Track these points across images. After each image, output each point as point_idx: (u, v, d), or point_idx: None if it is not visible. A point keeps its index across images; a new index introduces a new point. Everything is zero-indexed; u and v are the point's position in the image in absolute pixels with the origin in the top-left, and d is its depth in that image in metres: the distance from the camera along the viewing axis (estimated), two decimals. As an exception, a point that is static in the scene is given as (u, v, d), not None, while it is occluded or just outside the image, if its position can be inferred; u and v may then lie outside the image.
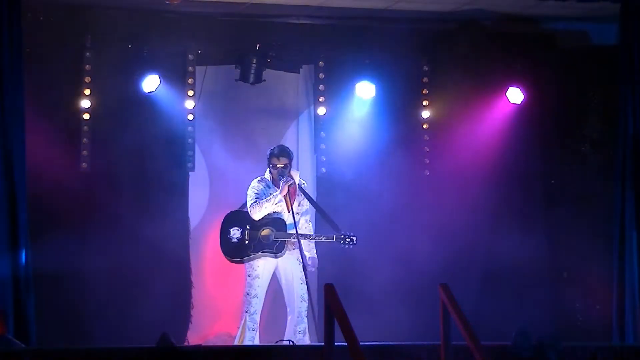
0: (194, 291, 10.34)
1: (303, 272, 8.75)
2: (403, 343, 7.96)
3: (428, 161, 10.94)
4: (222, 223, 8.99)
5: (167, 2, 9.47)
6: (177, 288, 10.21)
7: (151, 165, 10.22)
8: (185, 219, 10.35)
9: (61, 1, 9.84)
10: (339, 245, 9.00)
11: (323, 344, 6.21)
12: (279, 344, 8.54)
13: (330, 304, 6.05)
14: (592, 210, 10.58)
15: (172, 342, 7.11)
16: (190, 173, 10.44)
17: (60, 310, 9.57)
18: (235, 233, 8.87)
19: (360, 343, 5.80)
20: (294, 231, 8.83)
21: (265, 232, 8.87)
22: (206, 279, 10.54)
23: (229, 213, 9.07)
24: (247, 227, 8.89)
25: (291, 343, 8.51)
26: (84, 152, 10.07)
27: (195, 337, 10.11)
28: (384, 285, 10.39)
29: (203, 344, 9.08)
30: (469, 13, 10.44)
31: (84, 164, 10.07)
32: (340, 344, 6.05)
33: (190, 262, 10.33)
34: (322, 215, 9.16)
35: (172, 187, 10.32)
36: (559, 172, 10.92)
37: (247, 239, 8.86)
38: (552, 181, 10.94)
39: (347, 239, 8.94)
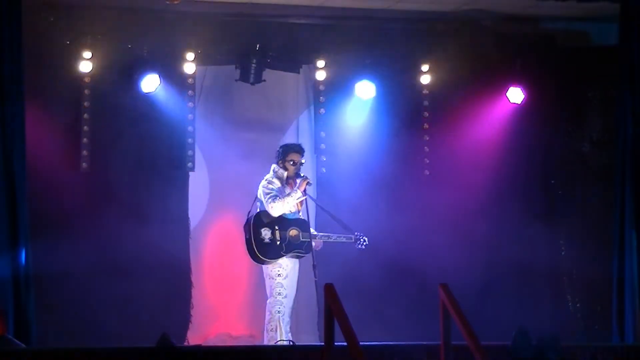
0: (194, 291, 10.33)
1: (314, 272, 8.72)
2: (403, 343, 7.95)
3: (428, 161, 10.94)
4: (252, 226, 8.72)
5: (167, 2, 9.46)
6: (177, 288, 10.21)
7: (151, 165, 10.23)
8: (185, 219, 10.35)
9: (61, 1, 9.84)
10: (351, 246, 9.05)
11: (323, 344, 6.21)
12: (279, 344, 8.53)
13: (330, 304, 6.05)
14: (592, 210, 10.57)
15: (172, 342, 7.11)
16: (190, 173, 10.44)
17: (60, 310, 9.57)
18: (266, 234, 8.73)
19: (360, 343, 5.80)
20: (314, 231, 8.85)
21: (293, 232, 8.80)
22: (206, 279, 10.53)
23: (254, 216, 8.79)
24: (276, 227, 8.81)
25: (291, 343, 8.50)
26: (84, 152, 10.07)
27: (195, 337, 10.11)
28: (384, 285, 10.39)
29: (203, 344, 9.08)
30: (469, 13, 10.44)
31: (84, 164, 10.08)
32: (340, 344, 6.05)
33: (190, 262, 10.32)
34: (333, 218, 9.12)
35: (172, 187, 10.32)
36: (559, 172, 10.92)
37: (279, 239, 8.78)
38: (552, 181, 10.94)
39: (360, 239, 9.05)
